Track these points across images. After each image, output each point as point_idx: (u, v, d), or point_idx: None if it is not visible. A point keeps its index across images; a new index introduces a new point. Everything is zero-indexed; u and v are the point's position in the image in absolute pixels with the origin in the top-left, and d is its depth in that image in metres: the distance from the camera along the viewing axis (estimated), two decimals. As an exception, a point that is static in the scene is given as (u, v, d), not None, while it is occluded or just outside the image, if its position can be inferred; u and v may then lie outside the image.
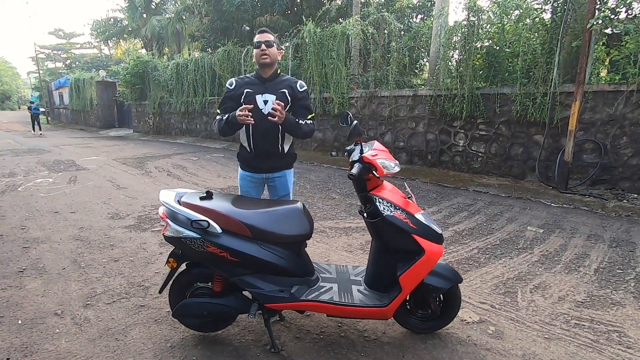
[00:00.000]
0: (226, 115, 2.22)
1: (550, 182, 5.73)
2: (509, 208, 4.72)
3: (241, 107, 2.09)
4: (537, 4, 6.09)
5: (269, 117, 2.12)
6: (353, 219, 4.27)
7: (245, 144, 2.34)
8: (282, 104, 2.11)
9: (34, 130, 17.05)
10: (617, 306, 2.46)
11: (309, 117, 2.32)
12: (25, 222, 4.14)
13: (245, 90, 2.24)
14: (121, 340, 2.09)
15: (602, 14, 4.89)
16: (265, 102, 2.23)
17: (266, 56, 2.20)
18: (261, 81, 2.27)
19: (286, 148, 2.36)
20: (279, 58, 2.31)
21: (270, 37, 2.23)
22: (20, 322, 2.26)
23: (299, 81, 2.33)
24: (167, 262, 1.98)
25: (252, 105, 2.12)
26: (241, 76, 2.37)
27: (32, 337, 2.11)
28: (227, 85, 2.33)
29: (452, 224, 4.11)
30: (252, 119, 2.08)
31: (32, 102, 19.31)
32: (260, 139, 2.26)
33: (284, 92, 2.25)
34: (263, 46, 2.19)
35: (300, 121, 2.25)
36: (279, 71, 2.34)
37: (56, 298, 2.54)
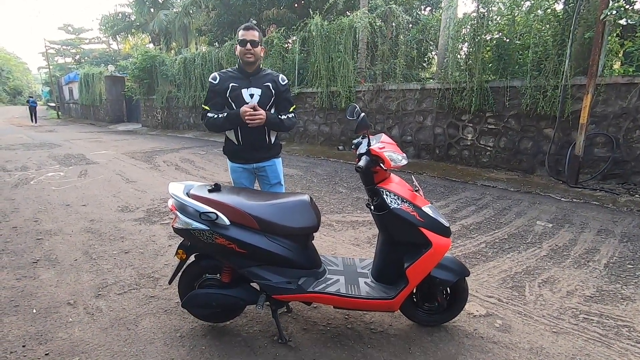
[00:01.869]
0: (225, 114, 2.26)
1: (560, 177, 5.66)
2: (518, 202, 4.67)
3: (245, 108, 2.16)
4: (549, -6, 5.96)
5: (249, 125, 2.19)
6: (360, 213, 4.27)
7: (233, 138, 2.41)
8: (262, 112, 2.18)
9: (32, 121, 19.65)
10: (627, 301, 2.43)
11: (291, 109, 2.43)
12: (38, 214, 4.23)
13: (230, 85, 2.30)
14: (132, 330, 2.13)
15: (616, 4, 4.78)
16: (251, 95, 2.30)
17: (250, 55, 2.26)
18: (245, 75, 2.33)
19: (272, 139, 2.45)
20: (262, 55, 2.39)
21: (256, 35, 2.26)
22: (35, 311, 2.32)
23: (281, 75, 2.42)
24: (177, 253, 2.01)
25: (255, 105, 2.19)
26: (223, 70, 2.41)
27: (46, 326, 2.17)
28: (210, 80, 2.35)
29: (459, 218, 4.09)
30: (258, 120, 2.17)
31: (30, 97, 22.20)
32: (248, 132, 2.31)
33: (268, 85, 2.34)
34: (248, 45, 2.24)
35: (282, 116, 2.36)
36: (261, 66, 2.41)
37: (69, 288, 2.60)
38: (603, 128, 5.37)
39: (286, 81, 2.42)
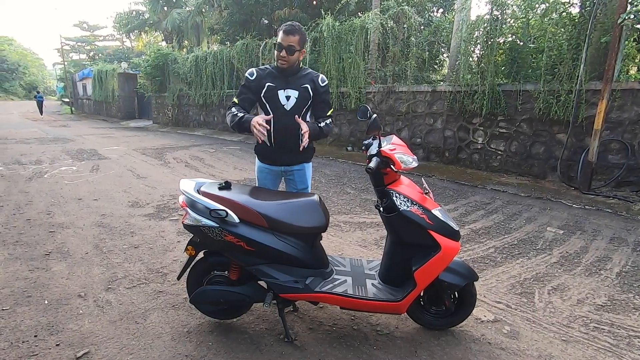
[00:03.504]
0: (242, 115, 2.09)
1: (572, 183, 5.57)
2: (528, 208, 4.61)
3: (259, 121, 1.94)
4: (565, -3, 5.88)
5: (301, 148, 2.06)
6: (368, 214, 4.26)
7: (265, 139, 2.29)
8: (307, 129, 2.04)
9: (41, 114, 21.52)
10: (640, 311, 2.39)
11: (329, 112, 2.30)
12: (51, 207, 4.31)
13: (267, 84, 2.17)
14: (141, 324, 2.16)
15: (634, 8, 4.68)
16: (288, 97, 2.17)
17: (284, 62, 2.13)
18: (283, 75, 2.20)
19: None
20: (301, 58, 2.22)
21: (295, 40, 2.09)
22: (46, 302, 2.37)
23: (321, 75, 2.27)
24: (186, 249, 2.03)
25: (270, 117, 2.12)
26: (262, 67, 2.28)
27: (57, 317, 2.21)
28: (247, 75, 2.22)
29: (468, 222, 4.06)
30: (265, 137, 2.05)
31: (37, 92, 23.75)
32: (281, 134, 2.20)
33: (307, 87, 2.20)
34: (284, 52, 2.09)
35: (321, 124, 2.23)
36: (300, 65, 2.27)
37: (80, 281, 2.64)
38: (618, 134, 5.27)
39: (326, 82, 2.27)
